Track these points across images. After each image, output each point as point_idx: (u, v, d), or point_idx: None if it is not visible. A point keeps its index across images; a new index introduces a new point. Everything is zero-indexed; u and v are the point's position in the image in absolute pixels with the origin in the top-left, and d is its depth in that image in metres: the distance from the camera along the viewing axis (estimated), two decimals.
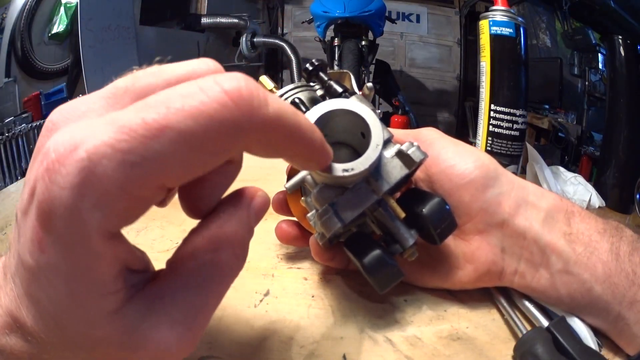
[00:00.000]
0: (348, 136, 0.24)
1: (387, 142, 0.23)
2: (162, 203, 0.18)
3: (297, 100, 0.24)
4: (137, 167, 0.12)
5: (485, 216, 0.25)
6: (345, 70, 0.29)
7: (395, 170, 0.23)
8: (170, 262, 0.16)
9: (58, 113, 0.15)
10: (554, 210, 0.25)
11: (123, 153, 0.12)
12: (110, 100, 0.14)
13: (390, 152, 0.23)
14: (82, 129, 0.12)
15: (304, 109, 0.23)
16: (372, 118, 0.22)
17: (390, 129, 0.25)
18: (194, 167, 0.13)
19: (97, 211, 0.12)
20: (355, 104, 0.22)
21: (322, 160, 0.17)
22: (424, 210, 0.24)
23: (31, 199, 0.13)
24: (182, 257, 0.16)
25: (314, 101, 0.26)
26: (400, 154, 0.23)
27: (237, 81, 0.12)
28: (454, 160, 0.26)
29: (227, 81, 0.12)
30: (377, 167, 0.23)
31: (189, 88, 0.12)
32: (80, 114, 0.14)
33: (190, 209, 0.17)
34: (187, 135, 0.12)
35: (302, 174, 0.24)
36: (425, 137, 0.27)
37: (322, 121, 0.22)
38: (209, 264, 0.16)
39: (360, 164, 0.20)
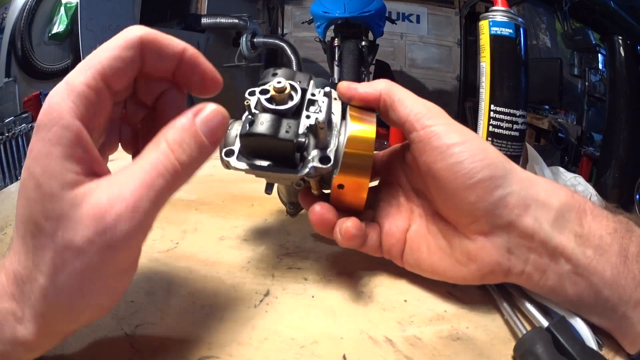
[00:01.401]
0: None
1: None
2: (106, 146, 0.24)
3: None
4: (87, 70, 0.19)
5: (491, 218, 0.24)
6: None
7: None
8: None
9: None
10: (565, 209, 0.24)
11: (82, 66, 0.19)
12: None
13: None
14: None
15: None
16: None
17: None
18: (117, 63, 0.20)
19: (70, 100, 0.18)
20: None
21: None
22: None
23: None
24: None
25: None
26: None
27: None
28: (461, 156, 0.24)
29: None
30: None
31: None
32: None
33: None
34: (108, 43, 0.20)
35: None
36: (434, 128, 0.25)
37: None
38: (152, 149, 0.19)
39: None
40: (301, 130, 0.26)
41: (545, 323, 0.24)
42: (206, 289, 0.28)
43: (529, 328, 0.24)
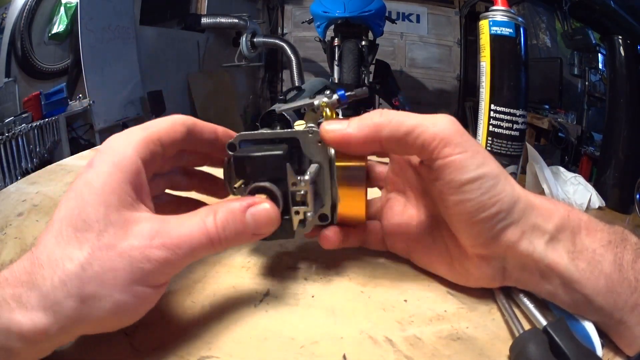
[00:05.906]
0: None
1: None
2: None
3: None
4: (147, 129, 0.24)
5: (490, 246, 0.25)
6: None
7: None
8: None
9: None
10: (558, 231, 0.24)
11: (143, 126, 0.24)
12: None
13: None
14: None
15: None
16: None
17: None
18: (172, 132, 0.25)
19: (133, 146, 0.22)
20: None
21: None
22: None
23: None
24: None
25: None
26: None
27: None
28: (471, 194, 0.24)
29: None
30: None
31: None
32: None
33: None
34: None
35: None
36: (450, 159, 0.23)
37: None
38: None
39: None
40: (295, 227, 0.26)
41: (544, 323, 0.24)
42: (206, 289, 0.28)
43: (529, 328, 0.24)
